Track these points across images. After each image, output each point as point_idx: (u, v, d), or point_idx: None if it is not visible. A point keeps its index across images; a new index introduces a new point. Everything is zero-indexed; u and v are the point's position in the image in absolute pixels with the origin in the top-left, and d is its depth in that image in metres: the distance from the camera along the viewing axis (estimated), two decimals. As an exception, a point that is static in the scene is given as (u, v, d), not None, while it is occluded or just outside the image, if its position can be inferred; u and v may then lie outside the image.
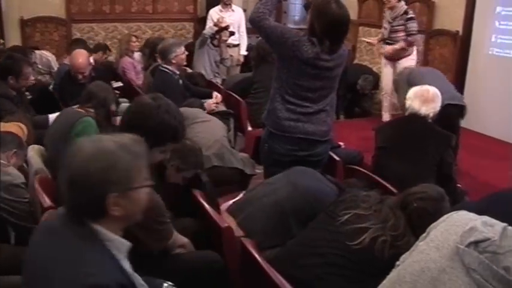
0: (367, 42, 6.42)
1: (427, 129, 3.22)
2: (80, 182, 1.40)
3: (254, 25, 2.85)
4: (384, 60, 6.06)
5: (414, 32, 5.70)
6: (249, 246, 2.12)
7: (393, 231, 2.05)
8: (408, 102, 3.30)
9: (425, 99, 3.26)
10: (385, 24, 5.82)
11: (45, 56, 5.99)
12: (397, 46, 5.73)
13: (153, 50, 5.61)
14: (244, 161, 3.78)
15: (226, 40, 6.47)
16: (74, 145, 1.48)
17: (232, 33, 6.47)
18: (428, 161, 3.13)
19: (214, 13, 6.68)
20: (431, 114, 3.24)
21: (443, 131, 3.21)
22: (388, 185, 2.81)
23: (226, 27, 6.37)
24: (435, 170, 3.11)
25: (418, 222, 2.04)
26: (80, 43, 5.68)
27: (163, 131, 2.22)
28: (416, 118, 3.24)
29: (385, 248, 2.00)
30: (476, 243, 1.46)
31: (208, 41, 6.30)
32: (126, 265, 1.51)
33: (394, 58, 5.84)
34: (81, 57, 4.48)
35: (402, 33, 5.68)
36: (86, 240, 1.41)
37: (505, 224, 1.51)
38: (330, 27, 2.74)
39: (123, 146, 1.45)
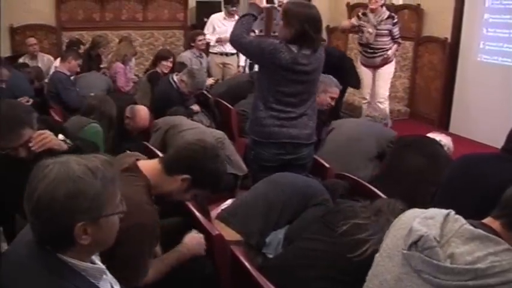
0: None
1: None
2: (44, 210, 1.27)
3: (234, 46, 3.07)
4: (363, 68, 5.99)
5: (399, 36, 5.78)
6: (240, 254, 2.12)
7: None
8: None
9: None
10: (370, 29, 5.66)
11: (47, 57, 6.28)
12: (393, 49, 5.77)
13: (159, 59, 5.68)
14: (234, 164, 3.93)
15: None
16: (39, 167, 1.32)
17: None
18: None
19: (217, 21, 6.43)
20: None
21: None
22: (378, 192, 2.81)
23: None
24: None
25: None
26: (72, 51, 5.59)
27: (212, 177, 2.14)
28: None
29: None
30: (415, 244, 1.46)
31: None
32: (107, 286, 1.46)
33: (375, 65, 5.85)
34: (145, 114, 4.12)
35: (386, 38, 5.69)
36: (55, 274, 1.30)
37: (447, 211, 1.51)
38: (302, 28, 2.83)
39: (92, 170, 1.31)
